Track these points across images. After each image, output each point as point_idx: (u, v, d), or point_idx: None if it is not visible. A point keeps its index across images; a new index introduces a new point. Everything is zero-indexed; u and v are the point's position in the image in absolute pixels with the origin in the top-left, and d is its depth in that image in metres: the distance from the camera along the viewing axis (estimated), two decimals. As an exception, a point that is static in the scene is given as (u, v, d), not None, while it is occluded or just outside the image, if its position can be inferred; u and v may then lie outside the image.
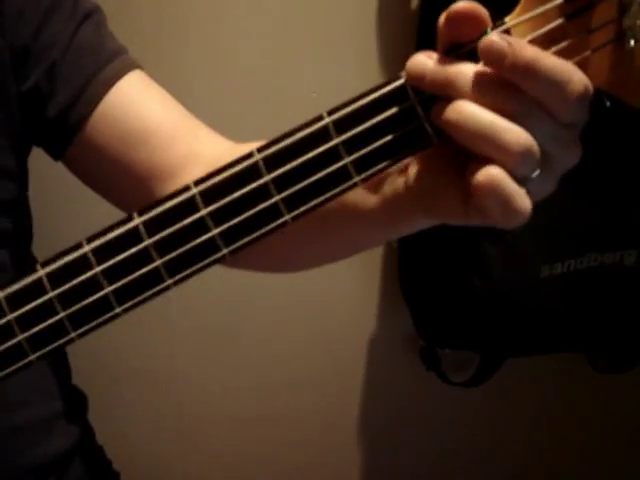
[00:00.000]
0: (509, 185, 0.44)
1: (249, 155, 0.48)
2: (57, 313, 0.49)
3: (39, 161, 0.75)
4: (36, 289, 0.49)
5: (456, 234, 1.18)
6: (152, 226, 0.48)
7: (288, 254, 0.66)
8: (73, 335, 0.50)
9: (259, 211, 0.48)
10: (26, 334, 0.50)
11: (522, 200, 0.44)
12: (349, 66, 1.20)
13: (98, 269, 0.49)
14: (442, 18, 0.47)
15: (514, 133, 0.43)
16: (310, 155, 0.47)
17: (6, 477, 0.70)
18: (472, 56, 0.46)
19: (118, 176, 0.68)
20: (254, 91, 1.19)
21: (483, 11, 0.45)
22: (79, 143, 0.68)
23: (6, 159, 0.68)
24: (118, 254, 0.48)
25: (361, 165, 0.47)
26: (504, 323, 1.18)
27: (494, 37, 0.43)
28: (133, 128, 0.67)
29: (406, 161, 0.49)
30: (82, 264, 0.49)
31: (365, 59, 1.22)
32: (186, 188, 0.48)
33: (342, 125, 0.47)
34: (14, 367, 0.50)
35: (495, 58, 0.43)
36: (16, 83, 0.67)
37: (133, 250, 0.48)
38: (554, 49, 0.46)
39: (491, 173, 0.44)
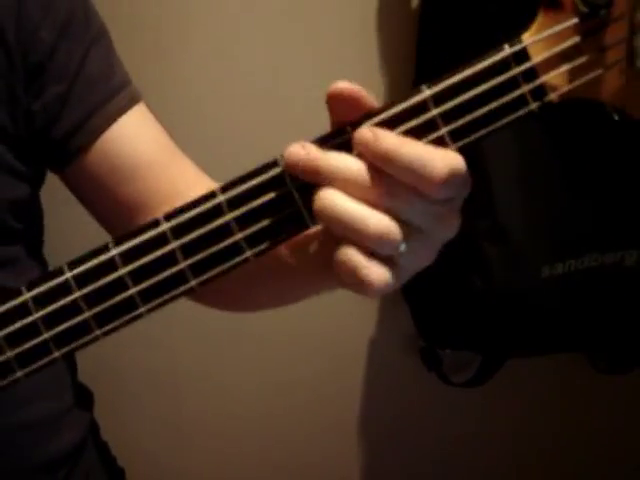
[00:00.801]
0: (357, 261, 0.48)
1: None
2: (83, 312, 0.51)
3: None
4: (62, 289, 0.51)
5: (456, 234, 1.18)
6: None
7: (239, 295, 0.71)
8: (98, 333, 0.52)
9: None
10: (52, 332, 0.52)
11: (369, 273, 0.48)
12: (349, 66, 1.20)
13: (124, 271, 0.51)
14: (326, 96, 0.50)
15: (370, 219, 0.47)
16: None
17: (17, 473, 0.71)
18: (346, 145, 0.49)
19: (105, 204, 0.72)
20: (254, 91, 1.19)
21: (362, 94, 0.49)
22: (74, 168, 0.71)
23: (14, 162, 0.69)
24: (143, 256, 0.51)
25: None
26: (504, 323, 1.18)
27: (363, 129, 0.48)
28: (126, 164, 0.70)
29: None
30: (108, 266, 0.51)
31: (365, 59, 1.22)
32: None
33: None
34: (39, 363, 0.53)
35: (362, 148, 0.48)
36: (27, 96, 0.68)
37: (159, 253, 0.51)
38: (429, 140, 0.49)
39: (342, 252, 0.48)
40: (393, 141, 0.47)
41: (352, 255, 0.48)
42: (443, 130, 0.48)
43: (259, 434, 1.35)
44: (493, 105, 0.48)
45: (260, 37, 1.19)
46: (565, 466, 1.49)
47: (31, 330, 0.52)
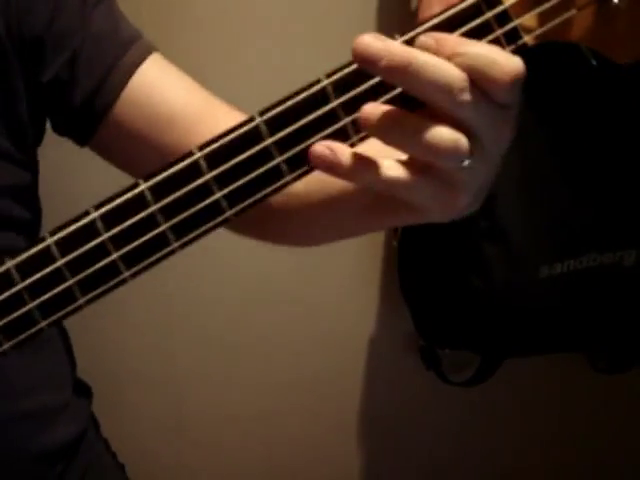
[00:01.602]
0: (437, 180, 0.47)
1: (250, 119, 0.49)
2: (66, 280, 0.50)
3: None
4: (45, 257, 0.50)
5: (456, 234, 1.18)
6: (158, 191, 0.50)
7: (305, 222, 0.68)
8: (82, 301, 0.51)
9: (262, 173, 0.49)
10: (36, 302, 0.51)
11: (452, 192, 0.47)
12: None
13: (106, 235, 0.50)
14: None
15: (439, 133, 0.45)
16: (310, 117, 0.49)
17: (14, 463, 0.71)
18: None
19: (145, 159, 0.69)
20: (254, 91, 1.19)
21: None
22: (105, 129, 0.69)
23: (14, 149, 0.69)
24: (125, 220, 0.50)
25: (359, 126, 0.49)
26: (504, 323, 1.18)
27: (422, 36, 0.46)
28: (159, 112, 0.68)
29: None
30: (90, 231, 0.50)
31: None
32: (189, 153, 0.50)
33: (340, 88, 0.48)
34: (25, 334, 0.52)
35: (429, 46, 0.45)
36: (29, 74, 0.68)
37: (141, 215, 0.50)
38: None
39: (421, 172, 0.47)
40: (458, 40, 0.46)
41: (431, 176, 0.47)
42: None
43: (258, 433, 1.35)
44: None
45: (260, 37, 1.19)
46: (565, 466, 1.49)
47: (16, 300, 0.51)
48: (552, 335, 1.23)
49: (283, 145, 0.49)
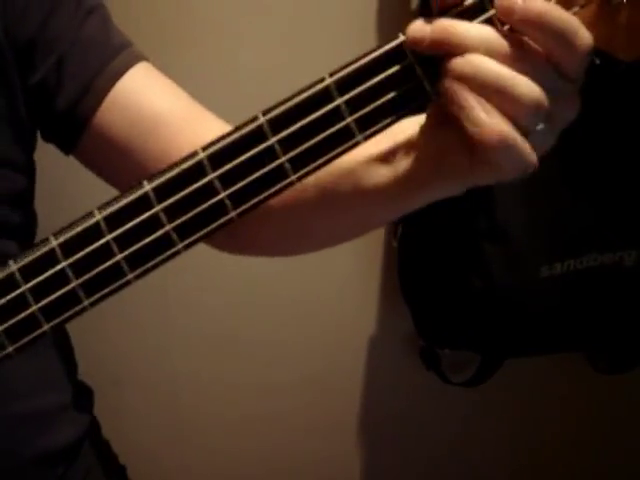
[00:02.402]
0: (519, 139, 0.46)
1: (254, 118, 0.49)
2: (70, 282, 0.50)
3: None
4: (49, 259, 0.50)
5: (456, 234, 1.18)
6: (162, 191, 0.49)
7: (300, 229, 0.67)
8: (86, 303, 0.51)
9: (266, 172, 0.49)
10: (40, 304, 0.50)
11: (530, 152, 0.47)
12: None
13: (110, 237, 0.50)
14: None
15: (526, 86, 0.45)
16: (314, 116, 0.48)
17: (14, 466, 0.71)
18: (464, 15, 0.47)
19: (128, 166, 0.68)
20: (253, 91, 1.19)
21: None
22: (89, 135, 0.69)
23: (14, 152, 0.69)
24: (129, 221, 0.49)
25: (364, 124, 0.49)
26: (504, 323, 1.18)
27: None
28: (143, 117, 0.67)
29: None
30: (94, 232, 0.50)
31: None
32: (193, 154, 0.50)
33: (344, 86, 0.49)
34: (29, 337, 0.51)
35: (506, 10, 0.45)
36: (21, 77, 0.67)
37: (145, 216, 0.49)
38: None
39: (502, 128, 0.45)
40: (542, 3, 0.45)
41: (512, 134, 0.46)
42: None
43: (258, 433, 1.35)
44: None
45: (260, 37, 1.19)
46: (565, 466, 1.49)
47: (20, 303, 0.50)
48: (552, 335, 1.22)
49: (287, 144, 0.49)
